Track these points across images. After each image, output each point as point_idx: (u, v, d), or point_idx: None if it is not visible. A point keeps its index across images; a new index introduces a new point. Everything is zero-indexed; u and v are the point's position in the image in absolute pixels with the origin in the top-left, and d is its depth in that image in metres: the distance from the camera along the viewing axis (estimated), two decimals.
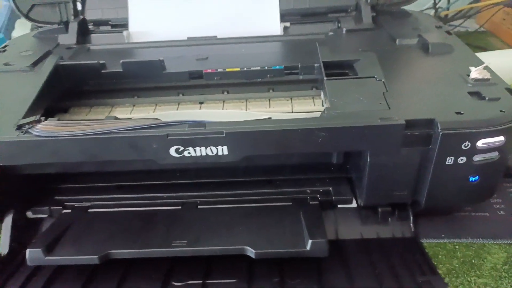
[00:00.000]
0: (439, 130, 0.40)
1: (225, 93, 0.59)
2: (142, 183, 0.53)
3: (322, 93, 0.52)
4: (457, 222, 0.50)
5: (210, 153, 0.43)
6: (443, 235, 0.48)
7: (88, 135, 0.41)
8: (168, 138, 0.41)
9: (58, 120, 0.44)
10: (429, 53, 0.54)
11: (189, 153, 0.43)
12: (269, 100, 0.55)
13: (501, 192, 0.54)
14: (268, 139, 0.41)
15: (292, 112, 0.51)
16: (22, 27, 0.95)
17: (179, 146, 0.42)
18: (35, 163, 0.45)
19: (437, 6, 0.97)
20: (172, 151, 0.42)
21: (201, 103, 0.58)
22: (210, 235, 0.44)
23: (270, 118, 0.45)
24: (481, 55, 0.73)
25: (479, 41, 0.94)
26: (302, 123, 0.41)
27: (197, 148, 0.42)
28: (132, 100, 0.59)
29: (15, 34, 0.99)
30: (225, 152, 0.42)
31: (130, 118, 0.43)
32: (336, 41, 0.61)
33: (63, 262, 0.43)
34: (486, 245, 0.47)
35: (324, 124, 0.41)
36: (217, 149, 0.42)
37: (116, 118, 0.44)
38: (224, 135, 0.41)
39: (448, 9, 1.01)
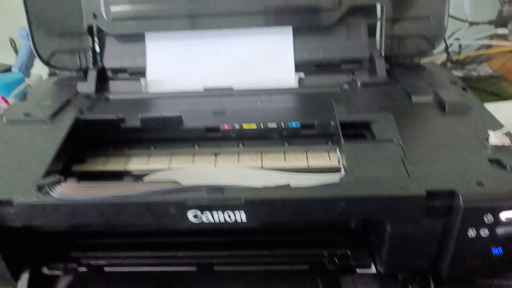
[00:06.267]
0: (461, 202, 0.39)
1: (241, 145, 0.59)
2: (158, 240, 0.53)
3: (337, 149, 0.52)
4: None
5: (228, 219, 0.42)
6: None
7: (106, 200, 0.41)
8: (187, 203, 0.41)
9: (77, 181, 0.44)
10: (445, 112, 0.54)
11: (206, 218, 0.42)
12: (284, 153, 0.55)
13: None
14: (287, 207, 0.41)
15: (308, 167, 0.51)
16: (41, 65, 0.97)
17: (197, 211, 0.42)
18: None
19: (449, 50, 0.98)
20: (189, 216, 0.42)
21: (216, 154, 0.58)
22: None
23: (288, 184, 0.44)
24: (498, 106, 0.73)
25: (492, 87, 0.94)
26: (321, 192, 0.41)
27: (215, 213, 0.42)
28: (148, 151, 0.59)
29: (34, 71, 1.01)
30: (243, 219, 0.42)
31: (147, 181, 0.43)
32: (352, 96, 0.61)
33: None
34: None
35: (344, 194, 0.40)
36: (234, 214, 0.42)
37: (135, 180, 0.44)
38: (243, 202, 0.41)
39: (459, 53, 1.02)
